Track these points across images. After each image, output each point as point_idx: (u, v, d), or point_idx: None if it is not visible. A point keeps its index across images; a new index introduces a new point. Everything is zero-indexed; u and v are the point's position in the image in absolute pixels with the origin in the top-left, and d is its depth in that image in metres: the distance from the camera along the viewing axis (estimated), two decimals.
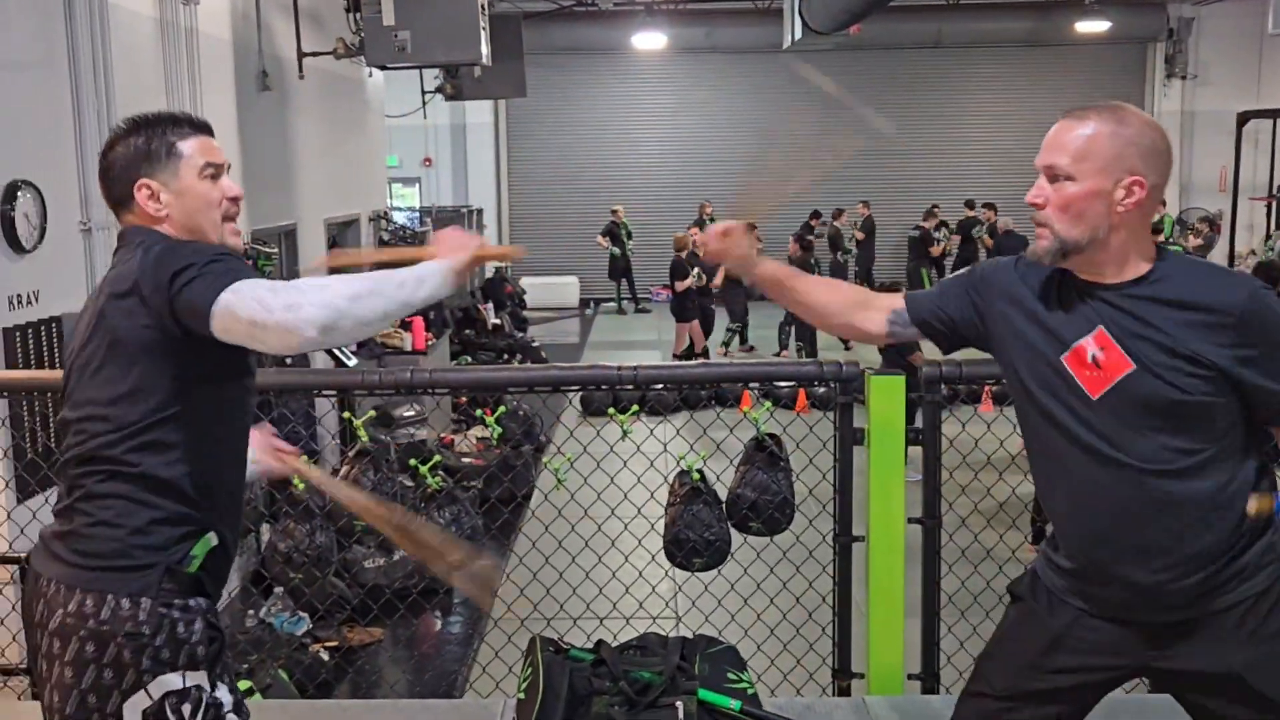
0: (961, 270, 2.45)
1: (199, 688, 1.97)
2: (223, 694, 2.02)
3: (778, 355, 14.43)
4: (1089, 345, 2.10)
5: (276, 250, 8.74)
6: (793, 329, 14.23)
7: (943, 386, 3.63)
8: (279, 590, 6.41)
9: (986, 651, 2.47)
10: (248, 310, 1.85)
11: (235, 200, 2.20)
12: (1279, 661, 2.11)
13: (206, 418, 2.06)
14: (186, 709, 1.95)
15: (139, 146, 2.14)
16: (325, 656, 6.07)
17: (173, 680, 1.95)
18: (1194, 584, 2.11)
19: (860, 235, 18.60)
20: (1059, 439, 2.16)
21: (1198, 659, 2.14)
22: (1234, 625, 2.11)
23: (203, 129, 2.22)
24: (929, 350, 2.72)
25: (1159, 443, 2.07)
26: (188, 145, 2.16)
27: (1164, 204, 18.54)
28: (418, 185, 20.49)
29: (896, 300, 2.44)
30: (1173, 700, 2.31)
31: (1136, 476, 2.09)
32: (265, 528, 4.25)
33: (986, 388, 6.07)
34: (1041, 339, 2.17)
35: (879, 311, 2.45)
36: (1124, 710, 3.08)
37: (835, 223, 17.48)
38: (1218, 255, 18.30)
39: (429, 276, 2.03)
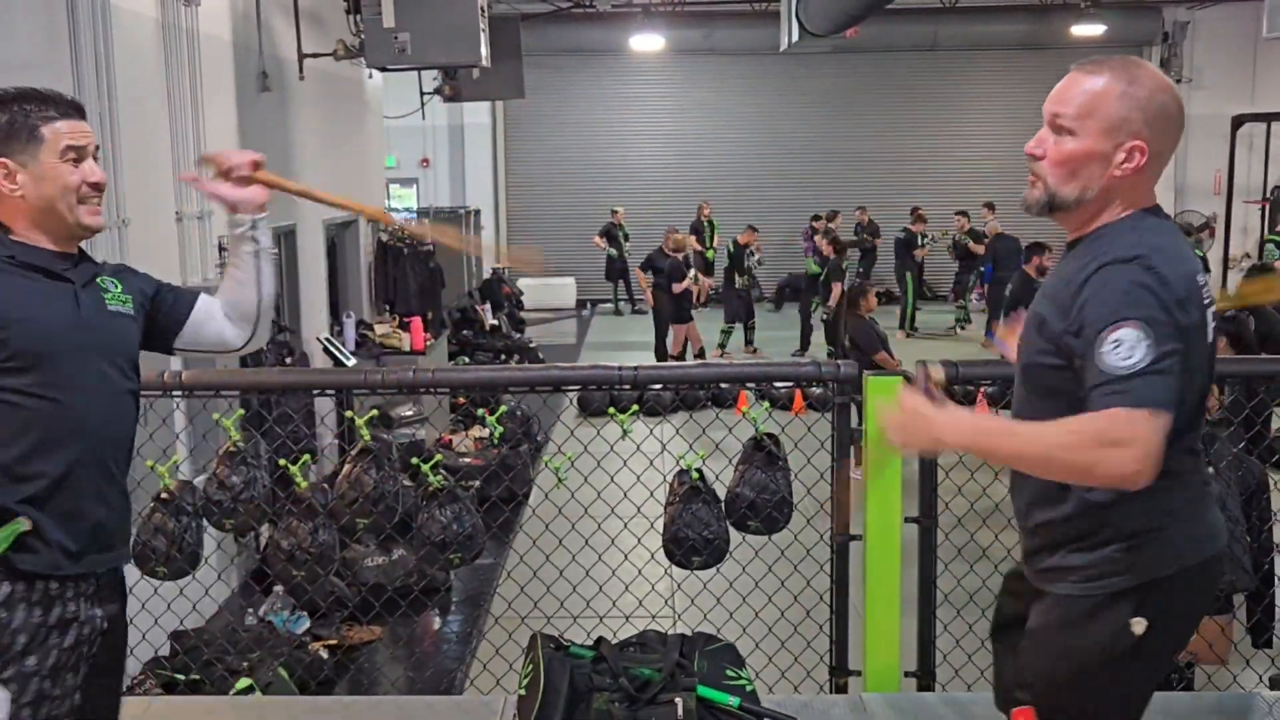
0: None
1: None
2: None
3: (796, 354, 14.49)
4: (1026, 316, 2.17)
5: (277, 250, 8.76)
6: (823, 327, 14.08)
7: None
8: (279, 589, 6.44)
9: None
10: None
11: (95, 185, 2.21)
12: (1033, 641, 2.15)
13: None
14: None
15: (1, 124, 2.15)
16: (325, 655, 6.09)
17: None
18: (1034, 550, 2.16)
19: (878, 240, 18.60)
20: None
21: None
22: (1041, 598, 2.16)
23: (72, 110, 2.22)
24: (925, 352, 2.76)
25: (1026, 410, 2.10)
26: (50, 129, 2.16)
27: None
28: (415, 186, 20.51)
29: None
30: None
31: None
32: (266, 526, 4.28)
33: (980, 390, 6.09)
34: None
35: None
36: None
37: (827, 224, 17.45)
38: (1212, 258, 18.38)
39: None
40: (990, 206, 17.97)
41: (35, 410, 2.11)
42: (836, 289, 13.59)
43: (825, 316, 13.71)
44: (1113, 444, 1.79)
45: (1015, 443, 1.93)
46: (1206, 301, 2.03)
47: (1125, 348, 1.82)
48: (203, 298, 2.48)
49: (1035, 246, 9.64)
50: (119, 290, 2.33)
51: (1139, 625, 1.99)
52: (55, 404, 2.13)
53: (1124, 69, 2.01)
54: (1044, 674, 2.09)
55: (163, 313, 2.42)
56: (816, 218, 18.29)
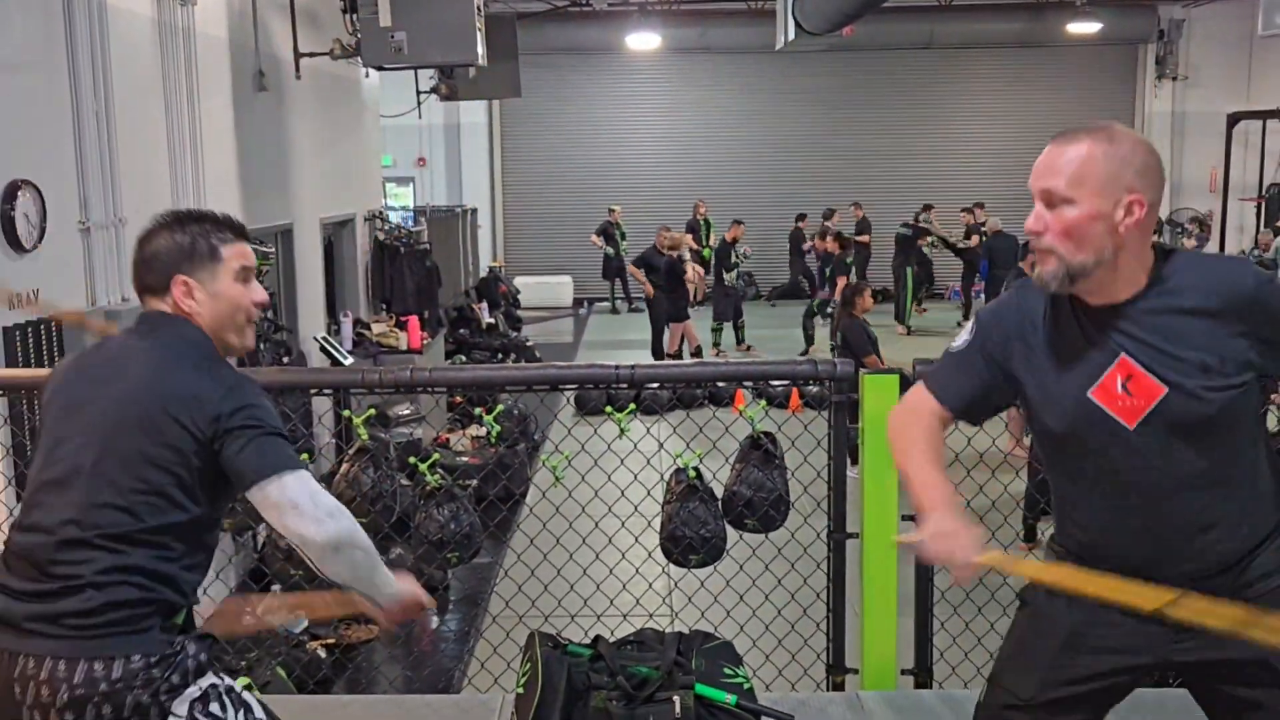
0: (964, 334, 2.33)
1: (213, 685, 2.13)
2: (235, 683, 2.19)
3: (804, 354, 14.49)
4: (1116, 375, 2.08)
5: (274, 250, 8.77)
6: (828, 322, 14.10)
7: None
8: (276, 588, 6.43)
9: (1004, 661, 2.43)
10: (298, 514, 2.13)
11: (260, 305, 2.33)
12: None
13: (203, 528, 2.22)
14: (214, 706, 2.11)
15: (183, 244, 2.24)
16: (323, 654, 6.10)
17: (191, 691, 2.10)
18: (1219, 583, 2.10)
19: (863, 239, 18.62)
20: (1092, 466, 2.15)
21: (1225, 649, 2.09)
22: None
23: (241, 234, 2.34)
24: (924, 350, 2.76)
25: (1194, 457, 2.07)
26: (228, 250, 2.27)
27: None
28: (412, 185, 20.51)
29: (926, 399, 2.34)
30: (1188, 696, 2.34)
31: (1174, 493, 2.10)
32: (263, 525, 4.27)
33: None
34: (1065, 376, 2.14)
35: (933, 417, 2.32)
36: (1142, 705, 3.13)
37: (826, 223, 17.42)
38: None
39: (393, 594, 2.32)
40: (980, 206, 17.98)
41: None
42: (842, 283, 13.61)
43: (831, 311, 13.74)
44: None
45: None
46: None
47: None
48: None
49: (1027, 247, 9.63)
50: None
51: None
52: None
53: (1101, 131, 2.08)
54: None
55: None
56: (801, 218, 18.28)
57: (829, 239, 15.51)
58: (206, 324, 2.24)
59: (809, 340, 15.03)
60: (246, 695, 2.17)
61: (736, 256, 15.04)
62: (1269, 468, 2.17)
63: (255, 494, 2.12)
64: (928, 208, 18.20)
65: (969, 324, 2.34)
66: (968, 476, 3.94)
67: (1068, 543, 2.30)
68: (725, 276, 14.98)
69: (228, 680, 2.16)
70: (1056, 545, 2.33)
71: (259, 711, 2.18)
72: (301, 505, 2.10)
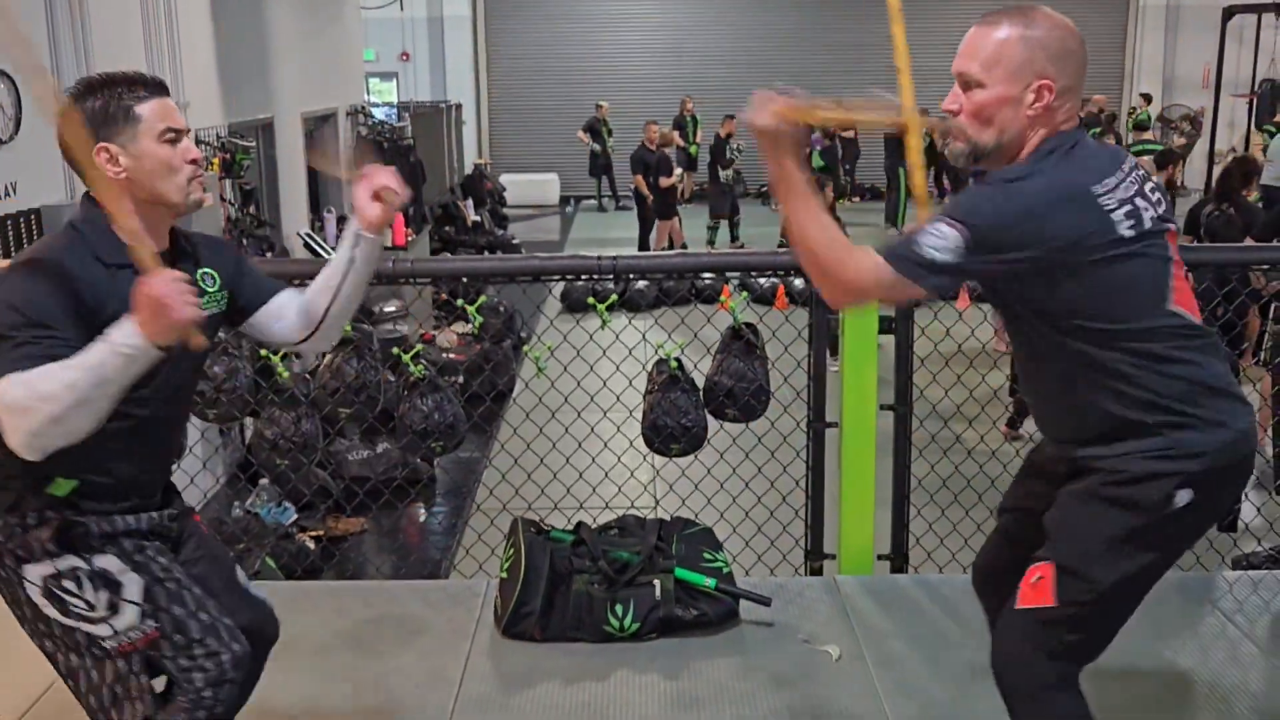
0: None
1: (74, 567, 2.12)
2: (107, 562, 2.15)
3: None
4: None
5: (254, 144, 8.67)
6: None
7: None
8: (264, 481, 6.51)
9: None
10: None
11: (195, 163, 2.22)
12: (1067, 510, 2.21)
13: None
14: (70, 584, 2.12)
15: (96, 110, 2.13)
16: (311, 545, 6.19)
17: (43, 567, 2.11)
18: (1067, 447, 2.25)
19: (849, 133, 18.45)
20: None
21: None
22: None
23: (159, 90, 2.21)
24: None
25: (1016, 330, 2.19)
26: (145, 108, 2.15)
27: (1148, 99, 18.46)
28: (395, 80, 20.20)
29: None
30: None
31: (1025, 359, 2.26)
32: (250, 421, 4.31)
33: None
34: None
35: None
36: None
37: None
38: (1198, 152, 18.31)
39: (133, 358, 1.94)
40: None
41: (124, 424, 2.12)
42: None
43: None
44: (849, 280, 2.06)
45: (807, 218, 2.09)
46: (1120, 200, 2.06)
47: (936, 238, 2.00)
48: (283, 294, 2.44)
49: None
50: (216, 289, 2.33)
51: (1184, 496, 2.08)
52: (142, 419, 2.17)
53: (1020, 15, 2.12)
54: (1075, 534, 2.16)
55: (242, 297, 2.40)
56: None
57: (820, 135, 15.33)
58: (138, 188, 2.14)
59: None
60: (123, 577, 2.14)
61: (730, 152, 14.87)
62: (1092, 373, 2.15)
63: None
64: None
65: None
66: (945, 366, 3.97)
67: None
68: (721, 174, 14.82)
69: (98, 561, 2.14)
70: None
71: (132, 590, 2.14)
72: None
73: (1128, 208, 2.05)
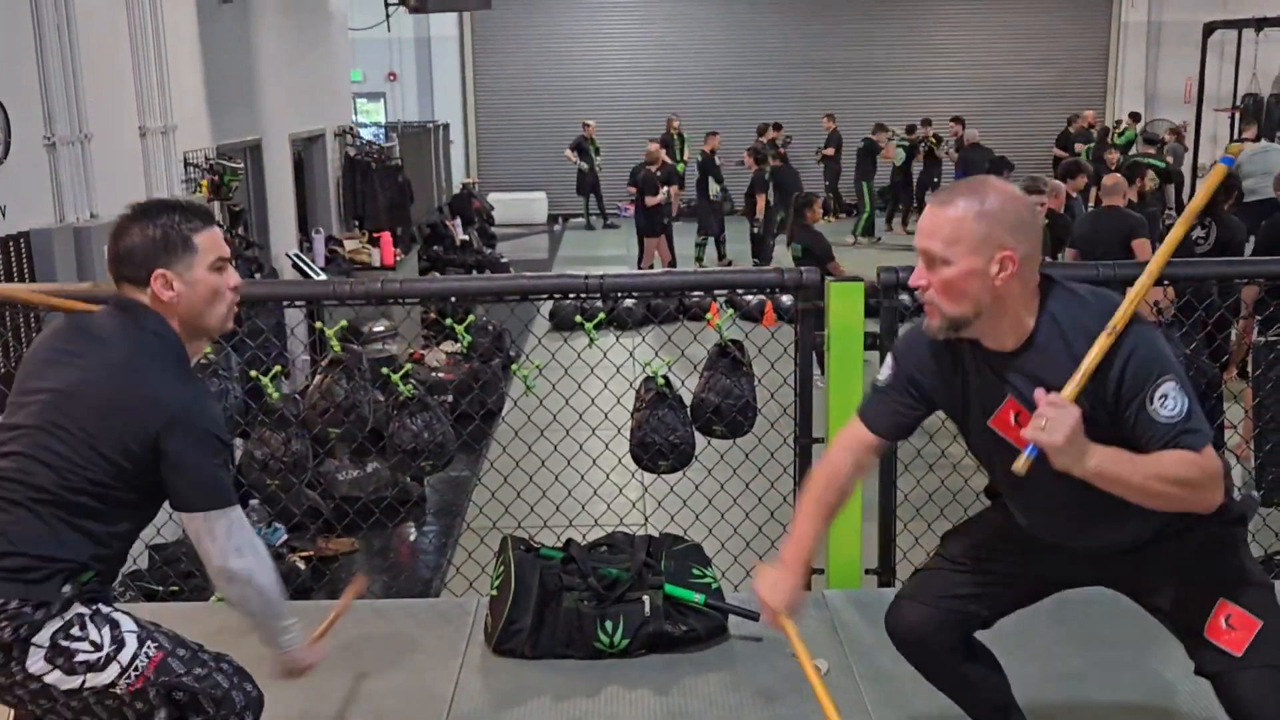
0: (886, 369, 2.50)
1: (78, 614, 2.19)
2: (102, 604, 2.25)
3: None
4: (1009, 410, 2.27)
5: (242, 166, 8.70)
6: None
7: (902, 294, 3.70)
8: (254, 502, 6.51)
9: (951, 531, 2.72)
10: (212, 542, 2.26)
11: (236, 289, 2.40)
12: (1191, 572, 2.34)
13: (131, 508, 2.29)
14: (77, 629, 2.18)
15: (156, 237, 2.30)
16: (302, 565, 6.19)
17: (53, 624, 2.17)
18: (1124, 556, 2.39)
19: (829, 151, 18.56)
20: (1002, 475, 2.32)
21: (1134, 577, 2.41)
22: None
23: (211, 220, 2.39)
24: (885, 259, 2.79)
25: (1076, 482, 2.17)
26: (201, 238, 2.32)
27: (1136, 118, 18.58)
28: (383, 101, 20.24)
29: (859, 431, 2.47)
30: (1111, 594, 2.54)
31: (1066, 504, 2.30)
32: (240, 441, 4.32)
33: None
34: (969, 405, 2.34)
35: (854, 453, 2.48)
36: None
37: (760, 138, 17.13)
38: (1182, 168, 18.40)
39: (293, 645, 2.48)
40: (959, 121, 17.91)
41: None
42: (760, 200, 13.68)
43: (755, 229, 13.84)
44: (1213, 478, 2.13)
45: (1138, 470, 2.11)
46: None
47: (1170, 400, 2.11)
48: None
49: (1001, 161, 9.70)
50: None
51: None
52: None
53: (972, 191, 2.20)
54: (1224, 570, 2.30)
55: None
56: (764, 130, 18.10)
57: (747, 155, 15.25)
58: (185, 311, 2.31)
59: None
60: (116, 615, 2.23)
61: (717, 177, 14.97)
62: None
63: (182, 518, 2.28)
64: (879, 126, 18.02)
65: (889, 358, 2.50)
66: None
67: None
68: (711, 189, 14.89)
69: (97, 605, 2.22)
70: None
71: (128, 624, 2.23)
72: (217, 538, 2.26)
73: None
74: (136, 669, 2.18)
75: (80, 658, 2.15)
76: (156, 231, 2.30)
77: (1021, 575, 2.55)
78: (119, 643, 2.19)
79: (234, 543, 2.27)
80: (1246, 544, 2.36)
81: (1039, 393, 2.08)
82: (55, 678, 2.14)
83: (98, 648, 2.16)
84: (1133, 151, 16.26)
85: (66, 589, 2.16)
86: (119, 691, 2.17)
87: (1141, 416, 2.12)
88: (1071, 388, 2.09)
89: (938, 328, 2.25)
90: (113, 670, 2.17)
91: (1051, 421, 2.04)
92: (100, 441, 2.18)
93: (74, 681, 2.15)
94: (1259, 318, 6.06)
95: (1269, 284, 4.75)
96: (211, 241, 2.35)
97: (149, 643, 2.22)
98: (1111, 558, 2.40)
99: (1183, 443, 2.09)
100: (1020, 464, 2.09)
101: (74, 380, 2.23)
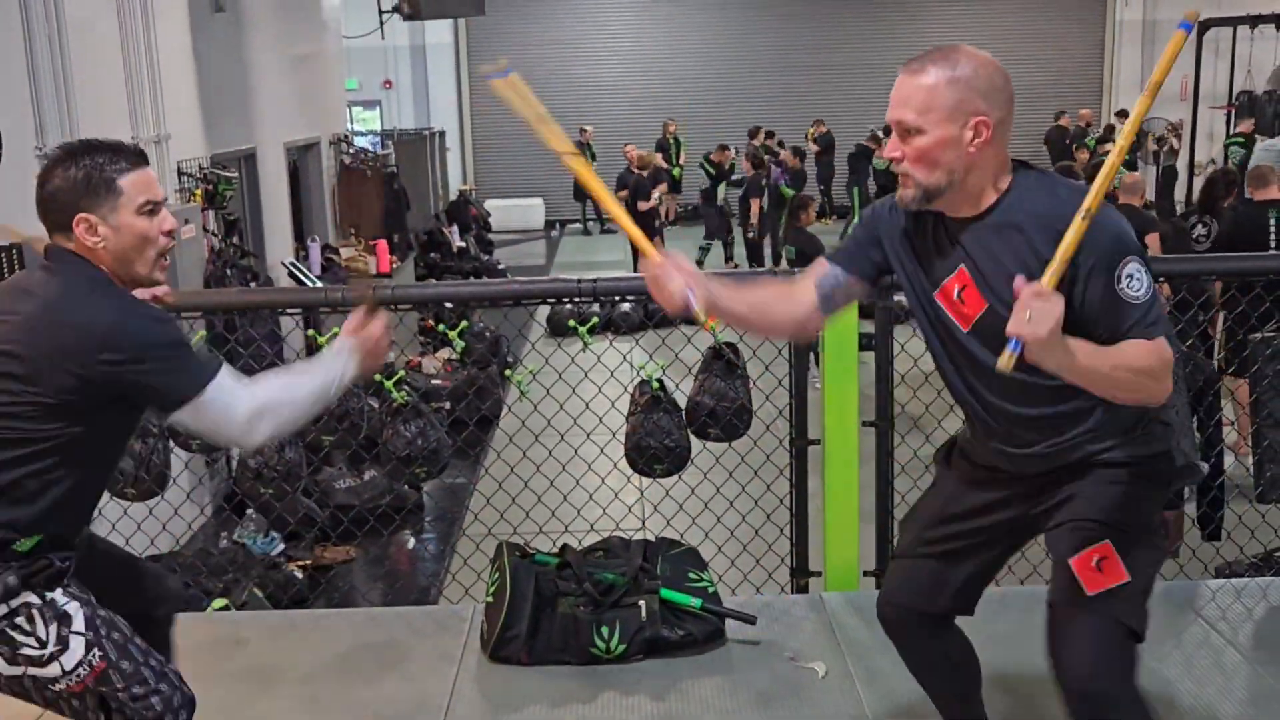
0: (855, 227, 2.51)
1: (25, 604, 2.14)
2: (57, 595, 2.18)
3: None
4: (954, 284, 2.24)
5: (237, 174, 8.69)
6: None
7: (896, 296, 3.69)
8: (251, 511, 6.49)
9: (902, 523, 2.73)
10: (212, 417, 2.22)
11: (170, 234, 2.27)
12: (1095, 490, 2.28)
13: (74, 458, 2.19)
14: (23, 621, 2.14)
15: (78, 179, 2.17)
16: (299, 575, 6.18)
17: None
18: (1052, 486, 2.33)
19: (816, 148, 18.58)
20: (944, 355, 2.33)
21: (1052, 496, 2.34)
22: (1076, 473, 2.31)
23: (140, 161, 2.26)
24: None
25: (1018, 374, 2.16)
26: (127, 180, 2.20)
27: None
28: (379, 108, 20.25)
29: (819, 267, 2.46)
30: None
31: (1000, 394, 2.27)
32: (235, 450, 4.31)
33: None
34: (919, 275, 2.31)
35: (803, 289, 2.43)
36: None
37: (752, 141, 17.15)
38: (1178, 165, 18.41)
39: (346, 373, 2.42)
40: None
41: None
42: (755, 205, 13.71)
43: (751, 234, 13.86)
44: (1168, 367, 2.10)
45: (1106, 360, 2.09)
46: None
47: (1136, 281, 2.10)
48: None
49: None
50: None
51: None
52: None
53: (944, 58, 2.18)
54: (1120, 509, 2.23)
55: None
56: (755, 134, 18.06)
57: (745, 160, 15.34)
58: (112, 258, 2.20)
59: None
60: (69, 607, 2.17)
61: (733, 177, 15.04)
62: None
63: (173, 418, 2.24)
64: (874, 136, 18.05)
65: (859, 221, 2.53)
66: (926, 381, 3.99)
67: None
68: (719, 192, 14.93)
69: (50, 595, 2.16)
70: None
71: (78, 623, 2.17)
72: (213, 411, 2.20)
73: None
74: (78, 676, 2.15)
75: (24, 651, 2.13)
76: (79, 173, 2.17)
77: (970, 534, 2.47)
78: (64, 644, 2.14)
79: (227, 400, 2.20)
80: (1161, 506, 2.33)
81: (1019, 280, 2.02)
82: None
83: (42, 644, 2.13)
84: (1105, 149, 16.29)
85: (11, 577, 2.11)
86: (59, 689, 2.15)
87: (1108, 295, 2.09)
88: (1050, 275, 2.04)
89: (911, 198, 2.21)
90: (54, 669, 2.14)
91: (1036, 314, 1.98)
92: (26, 384, 2.10)
93: (15, 670, 2.14)
94: (1227, 312, 6.15)
95: (1240, 280, 4.70)
96: (140, 183, 2.21)
97: (95, 650, 2.16)
98: (1044, 488, 2.32)
99: (1145, 333, 2.08)
100: (1004, 361, 2.03)
101: (3, 336, 2.15)
